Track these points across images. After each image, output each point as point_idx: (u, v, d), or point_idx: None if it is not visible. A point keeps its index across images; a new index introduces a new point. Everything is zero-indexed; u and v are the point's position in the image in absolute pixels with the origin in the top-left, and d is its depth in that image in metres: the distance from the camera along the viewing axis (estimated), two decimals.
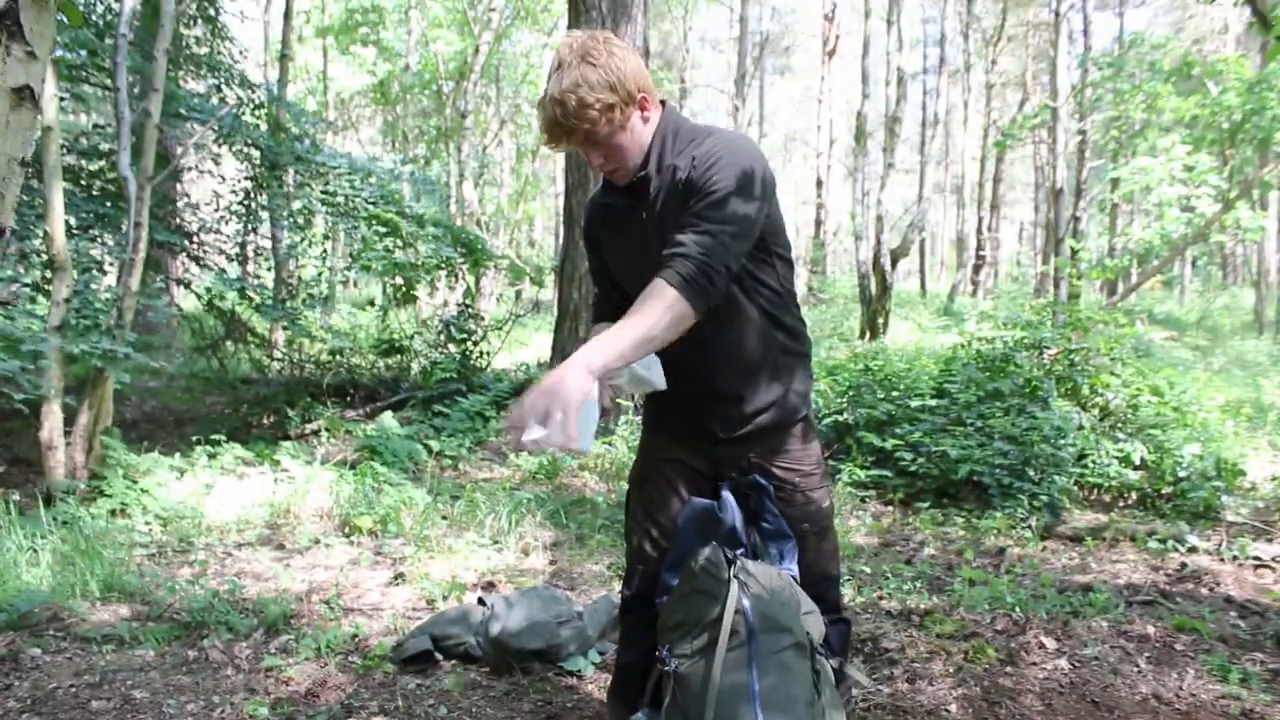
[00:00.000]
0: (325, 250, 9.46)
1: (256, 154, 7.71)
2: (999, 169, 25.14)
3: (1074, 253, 9.96)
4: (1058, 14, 14.61)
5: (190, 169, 8.40)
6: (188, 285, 8.50)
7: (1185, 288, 24.70)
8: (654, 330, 1.74)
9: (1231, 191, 10.30)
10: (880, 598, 3.75)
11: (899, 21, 13.76)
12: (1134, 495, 5.32)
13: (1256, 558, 4.22)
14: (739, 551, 1.95)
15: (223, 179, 8.35)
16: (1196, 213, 10.00)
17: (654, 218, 1.94)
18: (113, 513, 4.63)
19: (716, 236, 1.79)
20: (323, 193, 8.04)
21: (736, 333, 1.99)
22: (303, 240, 8.75)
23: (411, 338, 9.35)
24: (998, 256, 30.60)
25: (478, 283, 13.36)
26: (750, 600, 1.83)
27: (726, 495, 2.05)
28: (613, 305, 2.14)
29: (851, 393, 6.29)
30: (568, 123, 1.81)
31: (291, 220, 8.40)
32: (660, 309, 1.74)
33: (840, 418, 6.02)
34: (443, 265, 8.54)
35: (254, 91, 8.24)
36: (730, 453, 2.08)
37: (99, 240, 6.61)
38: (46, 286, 5.54)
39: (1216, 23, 20.02)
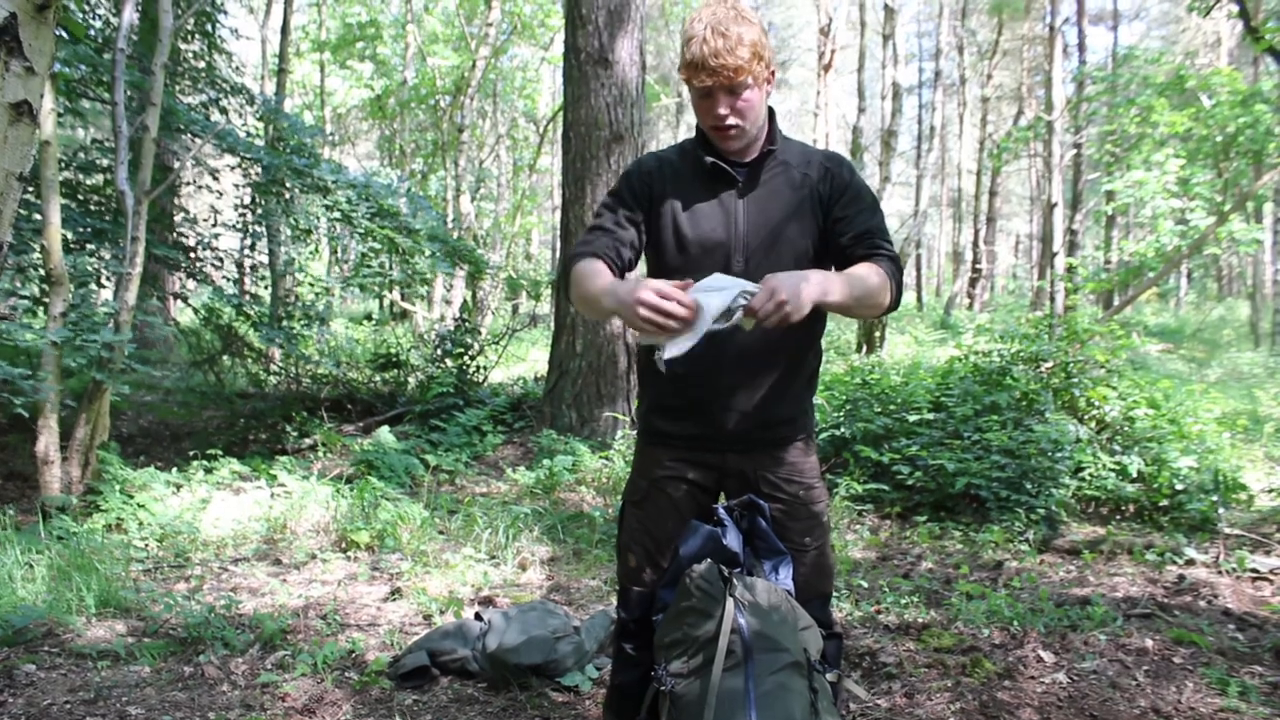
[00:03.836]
0: (331, 259, 9.47)
1: (255, 167, 7.72)
2: (995, 182, 25.19)
3: (1070, 269, 9.97)
4: (1052, 28, 14.67)
5: (188, 184, 8.40)
6: (185, 300, 8.49)
7: (1181, 300, 24.76)
8: (870, 300, 1.87)
9: (1225, 204, 10.34)
10: (878, 612, 3.74)
11: (895, 36, 13.83)
12: (1131, 508, 5.32)
13: (1254, 570, 4.22)
14: (735, 571, 1.93)
15: (220, 194, 8.35)
16: (1191, 225, 10.04)
17: (758, 196, 2.00)
18: (109, 528, 4.61)
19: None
20: (322, 206, 8.04)
21: (794, 341, 2.01)
22: (305, 254, 8.74)
23: (408, 352, 9.36)
24: (994, 269, 30.67)
25: (475, 297, 13.40)
26: (746, 619, 1.81)
27: (726, 518, 2.03)
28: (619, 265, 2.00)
29: (849, 406, 6.28)
30: (718, 60, 1.85)
31: (292, 232, 8.40)
32: (882, 290, 1.88)
33: (837, 432, 6.01)
34: (440, 273, 8.52)
35: (252, 104, 8.25)
36: (736, 464, 2.07)
37: (96, 255, 6.61)
38: (44, 301, 5.54)
39: (1209, 36, 20.14)
